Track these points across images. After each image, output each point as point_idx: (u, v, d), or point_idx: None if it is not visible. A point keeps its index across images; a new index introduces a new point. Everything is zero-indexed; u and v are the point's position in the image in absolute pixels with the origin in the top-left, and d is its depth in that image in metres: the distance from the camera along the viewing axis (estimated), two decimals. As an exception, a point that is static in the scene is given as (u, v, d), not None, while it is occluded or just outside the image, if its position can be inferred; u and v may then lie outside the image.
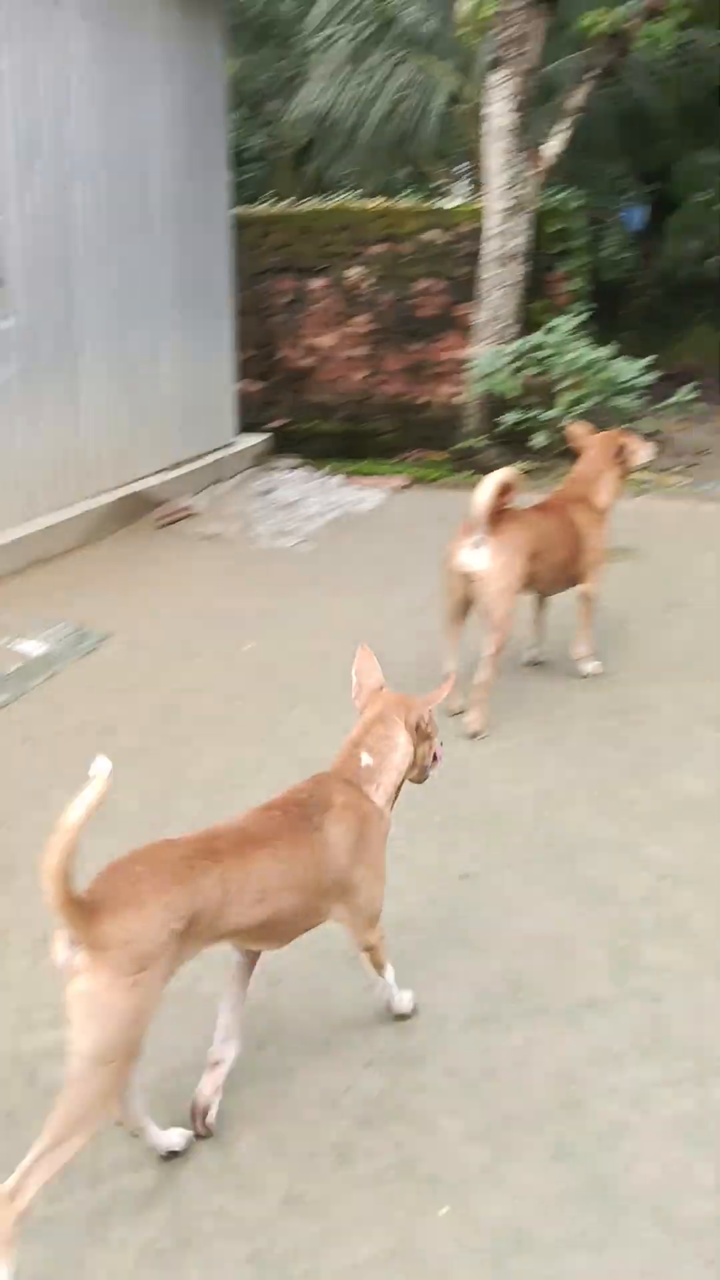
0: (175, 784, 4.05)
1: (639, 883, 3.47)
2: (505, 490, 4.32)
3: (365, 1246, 2.22)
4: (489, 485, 4.27)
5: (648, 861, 3.58)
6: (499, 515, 4.35)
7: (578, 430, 5.17)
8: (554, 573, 4.69)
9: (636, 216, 20.52)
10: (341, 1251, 2.22)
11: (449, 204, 11.09)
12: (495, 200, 9.60)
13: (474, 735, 4.38)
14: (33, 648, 5.17)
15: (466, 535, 4.38)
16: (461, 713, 4.55)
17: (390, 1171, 2.40)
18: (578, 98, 9.93)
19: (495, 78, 9.45)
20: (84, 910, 2.08)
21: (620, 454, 4.99)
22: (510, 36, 9.27)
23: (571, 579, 4.82)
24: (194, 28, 7.94)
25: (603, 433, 5.18)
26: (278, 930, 2.45)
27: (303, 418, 10.45)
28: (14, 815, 3.85)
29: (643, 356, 8.86)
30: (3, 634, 5.29)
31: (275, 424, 10.13)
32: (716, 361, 15.60)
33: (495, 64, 9.44)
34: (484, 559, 4.34)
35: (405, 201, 11.42)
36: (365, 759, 2.69)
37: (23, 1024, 2.84)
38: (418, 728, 2.77)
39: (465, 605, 4.49)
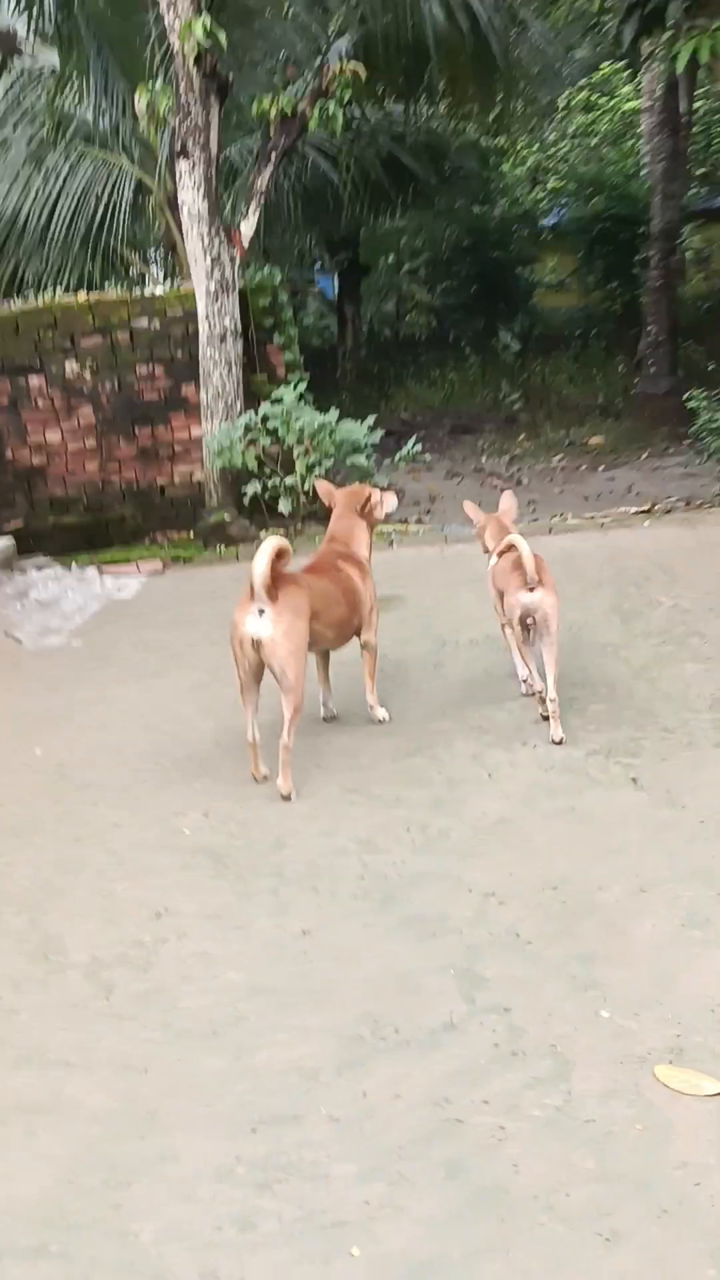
0: (-6, 899, 3.95)
1: (466, 907, 3.66)
2: (280, 556, 4.48)
3: (289, 1305, 2.27)
4: (265, 553, 4.42)
5: (470, 885, 3.78)
6: (276, 581, 4.50)
7: (323, 487, 5.42)
8: (335, 629, 4.89)
9: (329, 285, 21.45)
10: (266, 1316, 2.25)
11: (154, 291, 11.29)
12: (201, 283, 9.88)
13: (285, 797, 4.49)
14: None
15: (248, 604, 4.50)
16: (267, 779, 4.66)
17: (295, 1227, 2.45)
18: (264, 177, 10.37)
19: (183, 165, 9.76)
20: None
21: (365, 506, 5.27)
22: (191, 126, 9.61)
23: (351, 632, 5.03)
24: None
25: (345, 488, 5.45)
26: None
27: (40, 515, 10.33)
28: None
29: (360, 416, 9.31)
30: None
31: (12, 526, 9.97)
32: (428, 413, 16.50)
33: (182, 153, 9.75)
34: (268, 625, 4.47)
35: (111, 293, 11.55)
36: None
37: None
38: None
39: (258, 672, 4.61)
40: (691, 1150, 2.57)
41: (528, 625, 4.90)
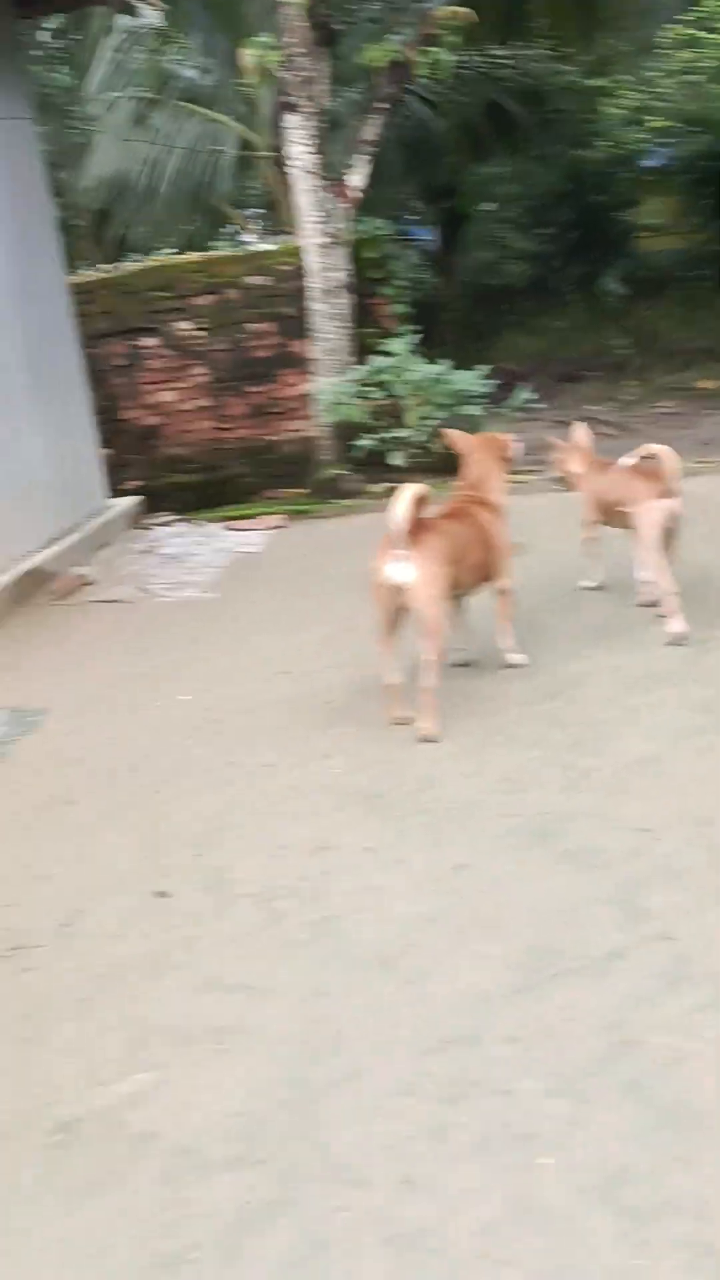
0: (162, 838, 4.13)
1: (619, 842, 3.72)
2: (419, 503, 4.56)
3: (486, 1209, 2.38)
4: (405, 500, 4.49)
5: (620, 821, 3.84)
6: (416, 527, 4.57)
7: (456, 435, 5.46)
8: (471, 574, 4.95)
9: (429, 235, 21.27)
10: (466, 1219, 2.37)
11: (263, 248, 11.36)
12: (311, 237, 9.91)
13: (431, 739, 4.58)
14: (-33, 738, 5.16)
15: (389, 550, 4.58)
16: (409, 721, 4.75)
17: (486, 1139, 2.57)
18: (372, 129, 10.33)
19: (292, 120, 9.78)
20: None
21: (502, 452, 5.32)
22: (299, 79, 9.61)
23: (487, 577, 5.09)
24: (6, 103, 8.02)
25: (480, 435, 5.51)
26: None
27: (157, 475, 10.54)
28: (13, 895, 3.88)
29: (463, 368, 9.29)
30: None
31: (132, 485, 10.19)
32: (531, 362, 16.33)
33: (289, 108, 9.76)
34: (410, 571, 4.56)
35: (221, 251, 11.66)
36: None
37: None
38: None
39: (397, 617, 4.70)
40: None
41: (668, 530, 5.31)
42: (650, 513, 5.26)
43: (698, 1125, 2.53)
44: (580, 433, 6.02)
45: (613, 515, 5.71)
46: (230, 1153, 2.62)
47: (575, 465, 5.94)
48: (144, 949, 3.46)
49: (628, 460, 5.53)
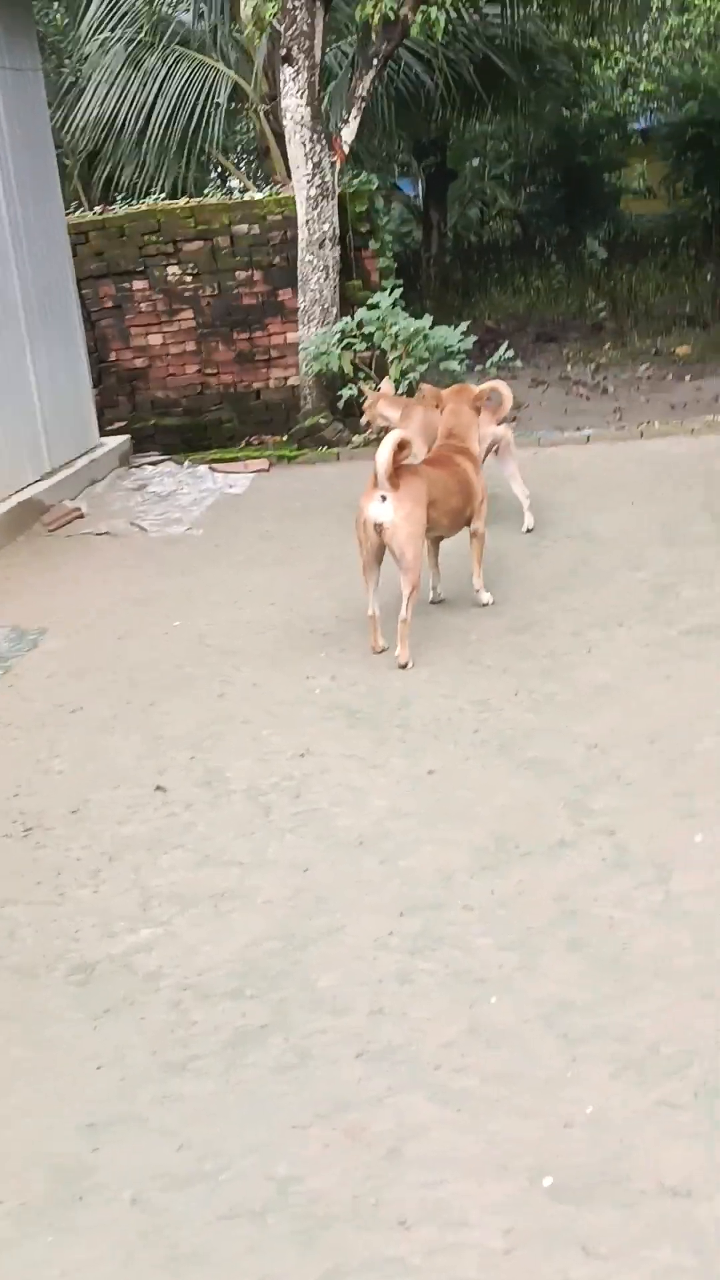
0: (160, 741, 4.54)
1: (575, 754, 4.16)
2: (402, 448, 4.94)
3: (445, 1031, 2.83)
4: (388, 445, 4.88)
5: (578, 738, 4.28)
6: (398, 471, 4.96)
7: (428, 389, 5.88)
8: (449, 517, 5.36)
9: (413, 190, 21.44)
10: (428, 1039, 2.81)
11: (254, 196, 11.58)
12: (302, 188, 10.16)
13: (403, 666, 5.00)
14: (-27, 650, 5.53)
15: (373, 491, 4.97)
16: (385, 650, 5.17)
17: (446, 981, 3.01)
18: (365, 83, 10.56)
19: (287, 71, 10.00)
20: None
21: (478, 402, 5.71)
22: (296, 31, 9.83)
23: (464, 521, 5.50)
24: (17, 55, 8.25)
25: (452, 387, 5.90)
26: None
27: (142, 417, 10.84)
28: (25, 784, 4.28)
29: (445, 323, 9.61)
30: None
31: (118, 425, 10.50)
32: (512, 320, 16.64)
33: (286, 59, 9.98)
34: (390, 511, 4.95)
35: (212, 198, 11.87)
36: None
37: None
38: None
39: (379, 553, 5.10)
40: (776, 936, 3.08)
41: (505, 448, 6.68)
42: (486, 438, 6.38)
43: (628, 972, 2.98)
44: (386, 385, 7.58)
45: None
46: (228, 988, 3.05)
47: (390, 411, 6.99)
48: (146, 831, 3.88)
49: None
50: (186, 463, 9.12)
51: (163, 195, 12.70)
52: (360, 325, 9.56)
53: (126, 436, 9.71)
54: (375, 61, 10.59)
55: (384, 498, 4.98)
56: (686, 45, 19.18)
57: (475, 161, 20.94)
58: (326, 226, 10.19)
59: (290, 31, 9.87)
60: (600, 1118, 2.52)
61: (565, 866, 3.48)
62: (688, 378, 12.47)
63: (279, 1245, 2.29)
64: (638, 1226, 2.24)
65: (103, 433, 9.58)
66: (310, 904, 3.38)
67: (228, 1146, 2.54)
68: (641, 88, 19.32)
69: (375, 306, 9.58)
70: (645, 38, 19.82)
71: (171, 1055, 2.83)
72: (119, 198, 13.29)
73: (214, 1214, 2.38)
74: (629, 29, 18.88)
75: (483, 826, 3.72)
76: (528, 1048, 2.75)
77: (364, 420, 7.45)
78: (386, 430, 6.77)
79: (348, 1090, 2.67)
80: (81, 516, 7.70)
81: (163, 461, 9.13)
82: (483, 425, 6.28)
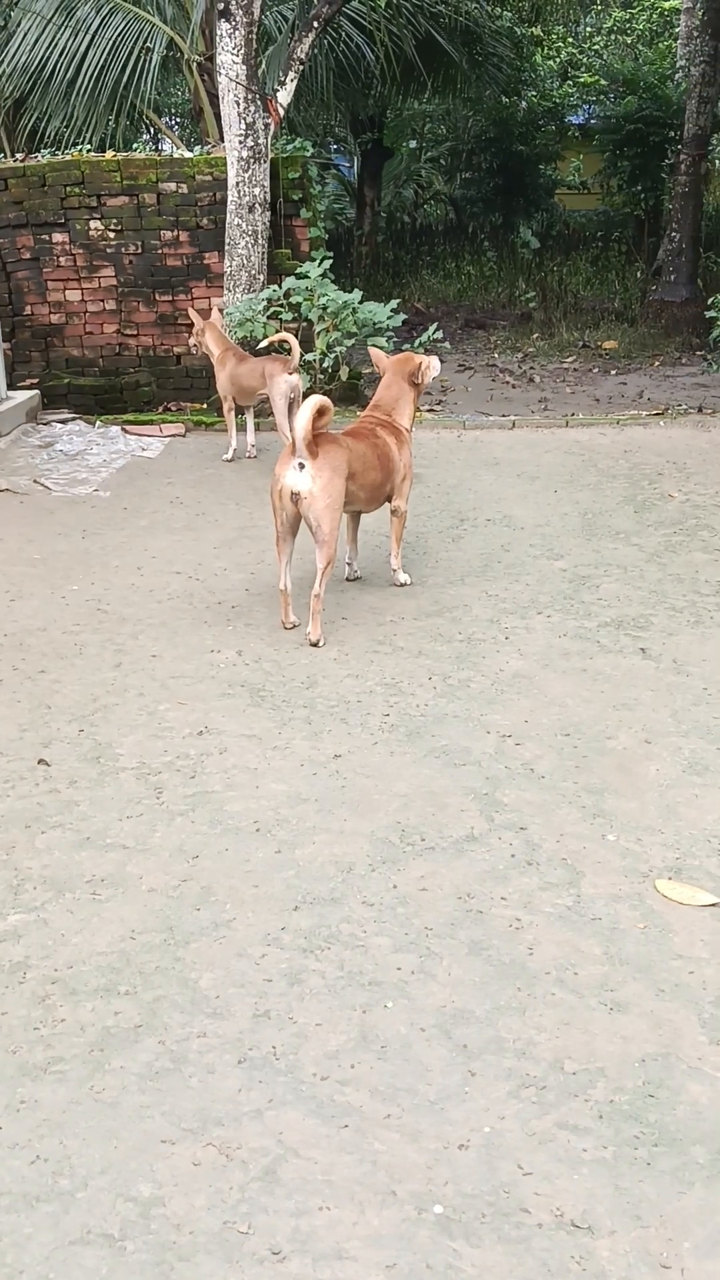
0: (46, 711, 4.23)
1: (486, 744, 3.97)
2: (321, 414, 4.69)
3: (333, 1040, 2.60)
4: (306, 411, 4.62)
5: (489, 727, 4.09)
6: (317, 439, 4.71)
7: (376, 354, 5.58)
8: (368, 491, 5.11)
9: (349, 167, 21.13)
10: (314, 1047, 2.59)
11: (184, 154, 11.20)
12: (234, 150, 9.82)
13: (314, 644, 4.76)
14: None
15: (290, 458, 4.72)
16: (295, 626, 4.93)
17: (338, 984, 2.79)
18: (304, 46, 10.25)
19: (224, 27, 9.65)
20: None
21: (415, 373, 5.44)
22: (236, -12, 9.48)
23: (384, 497, 5.26)
24: None
25: (396, 355, 5.60)
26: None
27: (55, 374, 10.41)
28: None
29: (377, 302, 9.38)
30: None
31: (28, 383, 10.07)
32: (442, 305, 16.46)
33: (223, 14, 9.63)
34: (307, 479, 4.70)
35: (140, 154, 11.46)
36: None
37: None
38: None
39: (294, 524, 4.85)
40: (688, 946, 2.92)
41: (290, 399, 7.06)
42: (279, 385, 7.12)
43: (531, 981, 2.79)
44: (216, 315, 8.07)
45: (246, 395, 7.60)
46: (100, 983, 2.79)
47: (214, 346, 7.78)
48: (24, 808, 3.59)
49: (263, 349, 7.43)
50: (98, 423, 8.75)
51: (90, 149, 12.25)
52: (288, 294, 9.29)
53: (36, 392, 9.29)
54: (316, 24, 10.29)
55: (301, 465, 4.73)
56: (629, 40, 19.20)
57: (412, 143, 20.70)
58: (258, 190, 9.88)
59: (229, -14, 9.51)
60: (496, 1140, 2.32)
61: (470, 862, 3.28)
62: (613, 372, 12.41)
63: (135, 1277, 2.05)
64: (532, 1264, 2.04)
65: (11, 388, 9.16)
66: (196, 894, 3.13)
67: (85, 1162, 2.29)
68: (582, 80, 19.26)
69: (304, 276, 9.31)
70: (588, 30, 19.79)
71: (31, 1056, 2.56)
72: (45, 150, 12.79)
73: (65, 1237, 2.14)
74: (572, 19, 18.81)
75: (386, 816, 3.51)
76: (420, 1060, 2.54)
77: (191, 341, 8.23)
78: (208, 359, 7.92)
79: (223, 1102, 2.43)
80: (-19, 472, 7.31)
81: (73, 420, 8.74)
82: (275, 374, 7.14)
